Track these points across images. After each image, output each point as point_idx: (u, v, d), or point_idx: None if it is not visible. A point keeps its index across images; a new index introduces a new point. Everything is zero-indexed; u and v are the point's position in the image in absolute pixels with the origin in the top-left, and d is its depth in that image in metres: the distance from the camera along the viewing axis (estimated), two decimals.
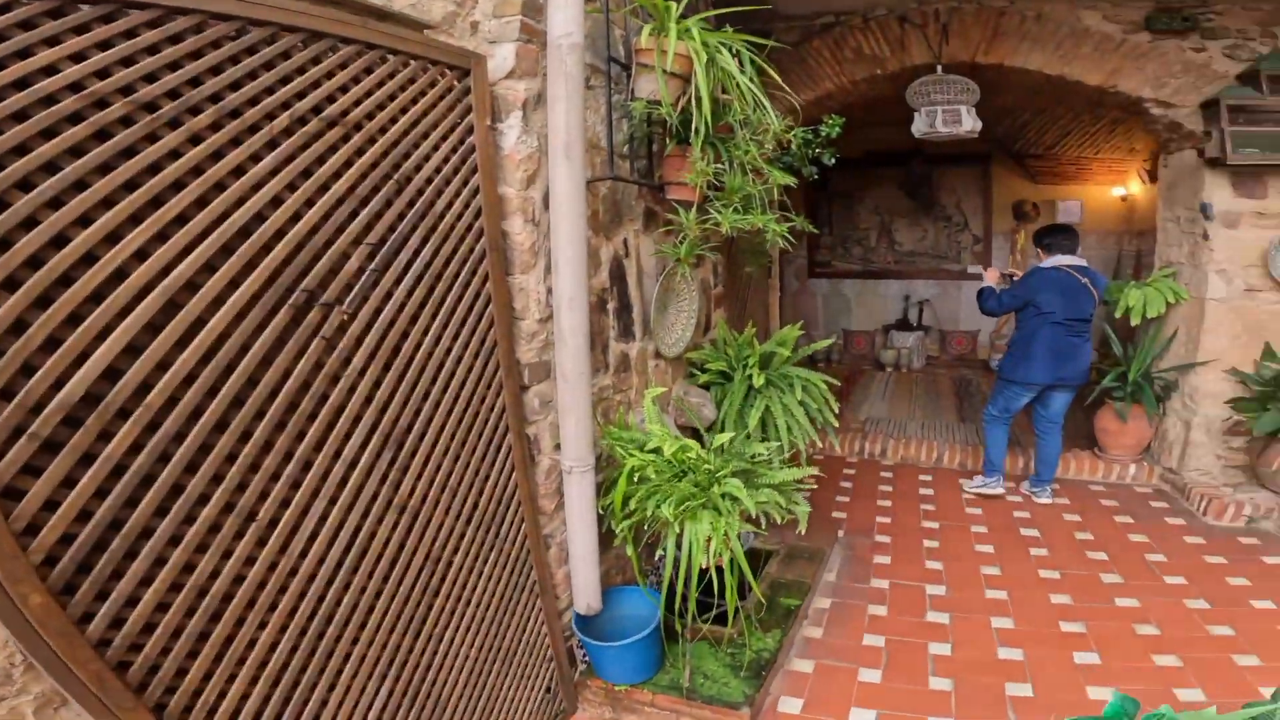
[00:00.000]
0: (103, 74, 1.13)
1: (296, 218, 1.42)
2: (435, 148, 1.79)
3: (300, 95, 1.45)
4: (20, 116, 1.03)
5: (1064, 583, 3.05)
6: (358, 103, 1.58)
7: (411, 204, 1.70)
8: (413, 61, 1.74)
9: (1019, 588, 3.03)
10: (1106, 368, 4.35)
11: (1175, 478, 4.01)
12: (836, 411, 3.19)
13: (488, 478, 1.99)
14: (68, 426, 1.07)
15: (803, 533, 2.59)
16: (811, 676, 2.51)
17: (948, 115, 3.59)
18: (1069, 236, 3.82)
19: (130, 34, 1.17)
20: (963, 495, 4.13)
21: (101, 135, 1.12)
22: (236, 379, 1.30)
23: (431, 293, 1.74)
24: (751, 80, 2.34)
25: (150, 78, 1.19)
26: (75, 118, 1.09)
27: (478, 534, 1.96)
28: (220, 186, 1.28)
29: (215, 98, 1.28)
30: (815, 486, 2.55)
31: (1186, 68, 3.52)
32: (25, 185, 1.03)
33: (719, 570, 2.31)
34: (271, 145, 1.38)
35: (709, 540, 2.32)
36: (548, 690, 2.33)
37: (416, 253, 1.70)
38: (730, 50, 2.28)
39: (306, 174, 1.45)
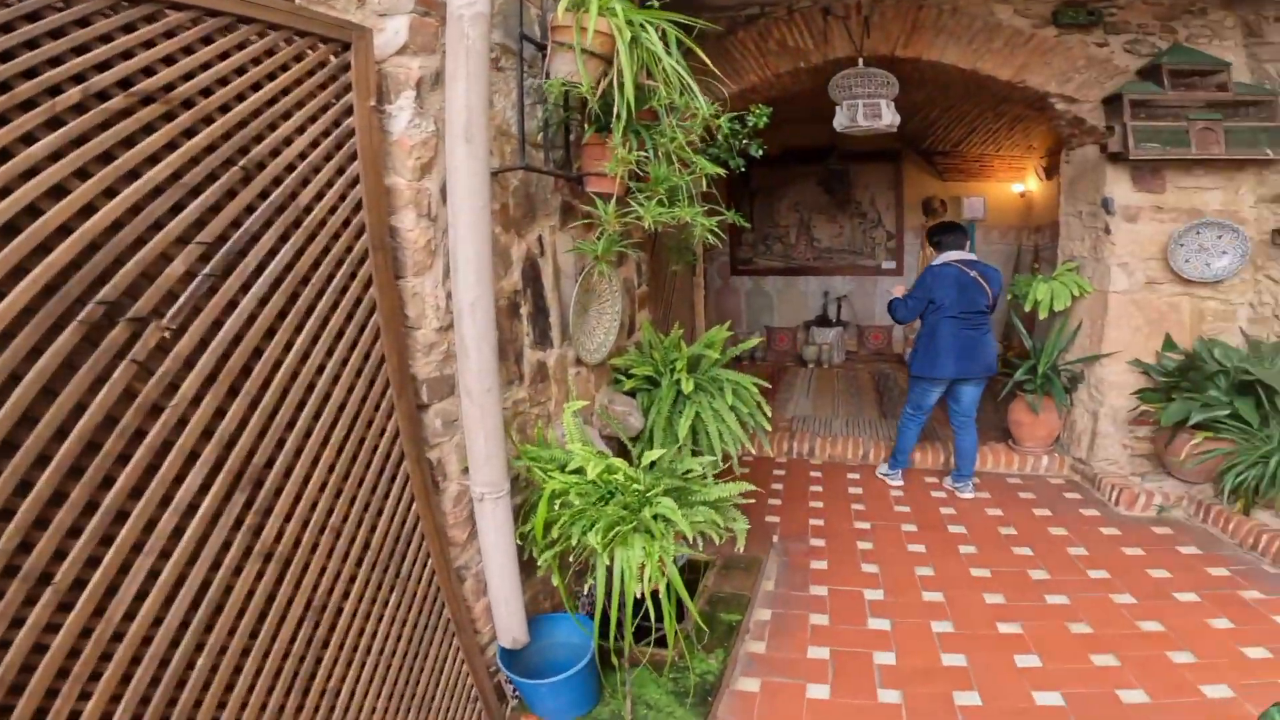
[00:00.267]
0: None
1: (89, 211, 1.07)
2: (300, 130, 1.47)
3: (102, 67, 1.12)
4: None
5: (995, 581, 3.03)
6: (188, 76, 1.25)
7: (265, 195, 1.37)
8: (271, 32, 1.41)
9: (954, 588, 2.99)
10: (1017, 361, 4.45)
11: (1085, 468, 4.14)
12: (769, 415, 3.04)
13: (380, 511, 1.70)
14: None
15: (741, 550, 2.41)
16: (759, 696, 2.35)
17: (868, 109, 3.54)
18: (958, 233, 3.95)
19: None
20: (890, 493, 4.13)
21: None
22: (2, 418, 0.95)
23: (295, 301, 1.41)
24: (679, 63, 2.12)
25: None
26: None
27: (373, 574, 1.68)
28: None
29: None
30: (753, 501, 2.37)
31: (1090, 63, 3.61)
32: None
33: (655, 595, 2.09)
34: (53, 124, 1.05)
35: (642, 567, 2.10)
36: None
37: (272, 253, 1.37)
38: (656, 30, 2.06)
39: (106, 158, 1.11)
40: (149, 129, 1.18)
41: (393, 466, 1.72)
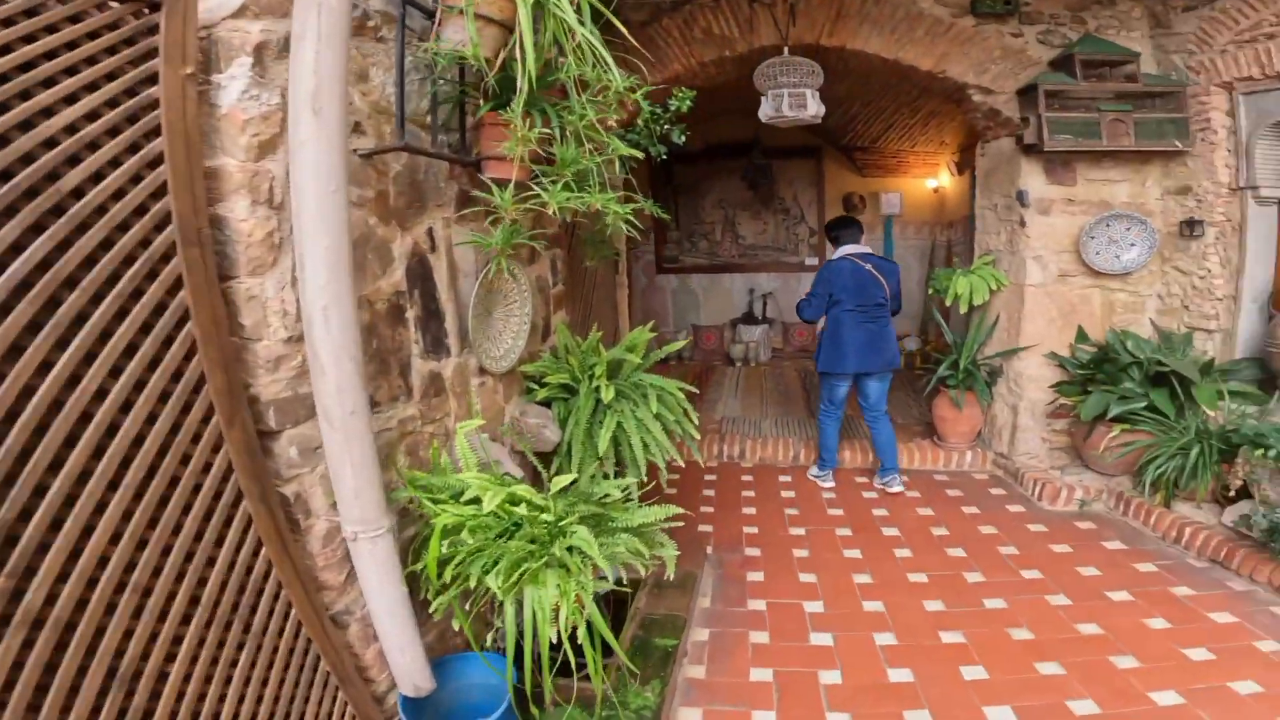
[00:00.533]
0: None
1: None
2: (69, 100, 1.11)
3: None
4: None
5: (933, 586, 2.93)
6: None
7: (7, 176, 1.00)
8: None
9: (893, 595, 2.87)
10: (940, 356, 4.43)
11: (1007, 462, 4.14)
12: (696, 423, 2.81)
13: (213, 561, 1.35)
14: None
15: (671, 578, 2.16)
16: None
17: (794, 99, 3.40)
18: (854, 228, 3.96)
19: None
20: (823, 495, 4.01)
21: None
22: None
23: (54, 308, 1.04)
24: (593, 34, 1.84)
25: None
26: None
27: (208, 632, 1.34)
28: None
29: None
30: (682, 524, 2.12)
31: (1006, 53, 3.58)
32: None
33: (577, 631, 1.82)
34: None
35: (557, 607, 1.82)
36: None
37: (17, 249, 1.00)
38: None
39: None
40: None
41: (226, 508, 1.36)
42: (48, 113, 1.09)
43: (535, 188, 1.84)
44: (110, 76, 1.19)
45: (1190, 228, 3.56)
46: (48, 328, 1.03)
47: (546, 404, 2.78)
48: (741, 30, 3.74)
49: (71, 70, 1.14)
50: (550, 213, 1.80)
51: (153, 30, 1.27)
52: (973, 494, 3.92)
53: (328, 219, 1.31)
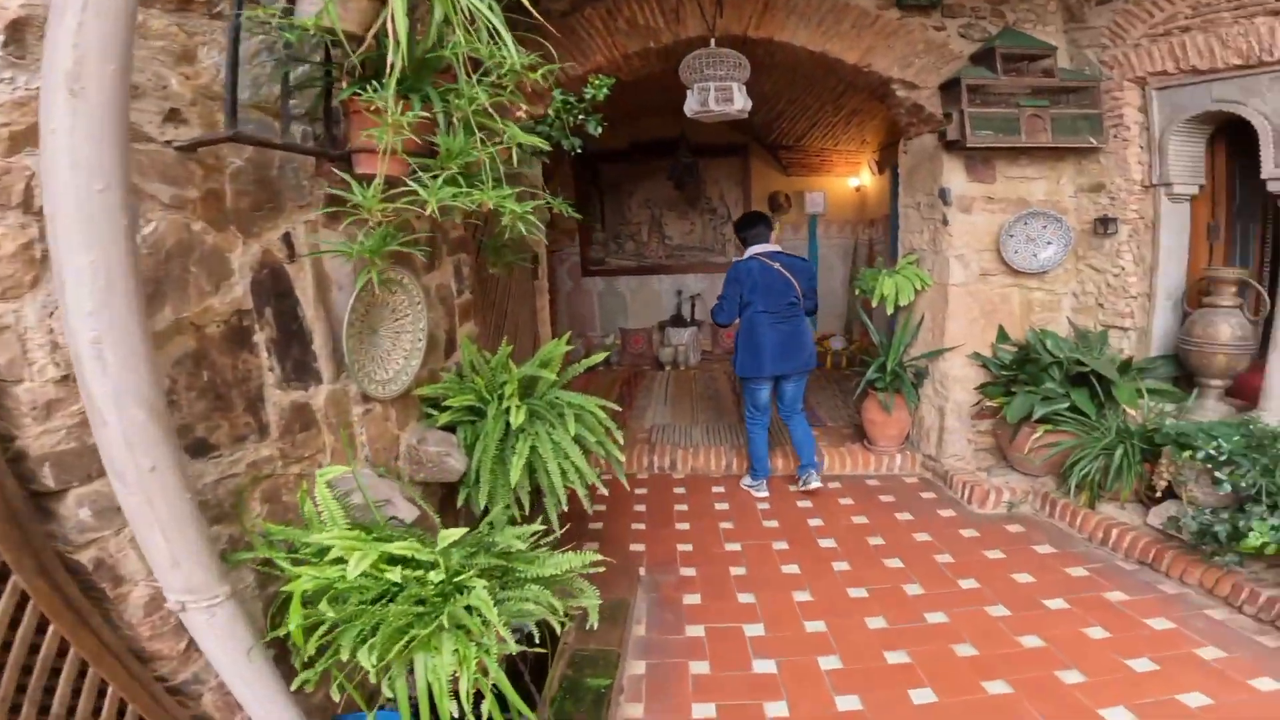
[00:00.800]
0: None
1: None
2: None
3: None
4: None
5: (874, 601, 2.80)
6: None
7: None
8: None
9: (835, 614, 2.72)
10: (868, 358, 4.36)
11: (935, 465, 4.10)
12: (621, 444, 2.56)
13: None
14: None
15: (594, 627, 1.90)
16: None
17: (720, 93, 3.22)
18: (762, 225, 3.86)
19: None
20: (757, 507, 3.85)
21: None
22: None
23: None
24: (491, 8, 1.55)
25: None
26: None
27: None
28: None
29: None
30: (603, 569, 1.86)
31: (929, 46, 3.51)
32: None
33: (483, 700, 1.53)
34: None
35: (456, 678, 1.53)
36: None
37: None
38: None
39: None
40: None
41: None
42: None
43: (412, 184, 1.52)
44: None
45: (1104, 225, 3.59)
46: None
47: (451, 429, 2.47)
48: (667, 21, 3.54)
49: None
50: (429, 212, 1.50)
51: None
52: (904, 499, 3.84)
53: (94, 226, 0.97)
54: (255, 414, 1.56)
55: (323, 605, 1.40)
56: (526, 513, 2.51)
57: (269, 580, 1.59)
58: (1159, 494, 2.93)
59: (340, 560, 1.49)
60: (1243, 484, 2.40)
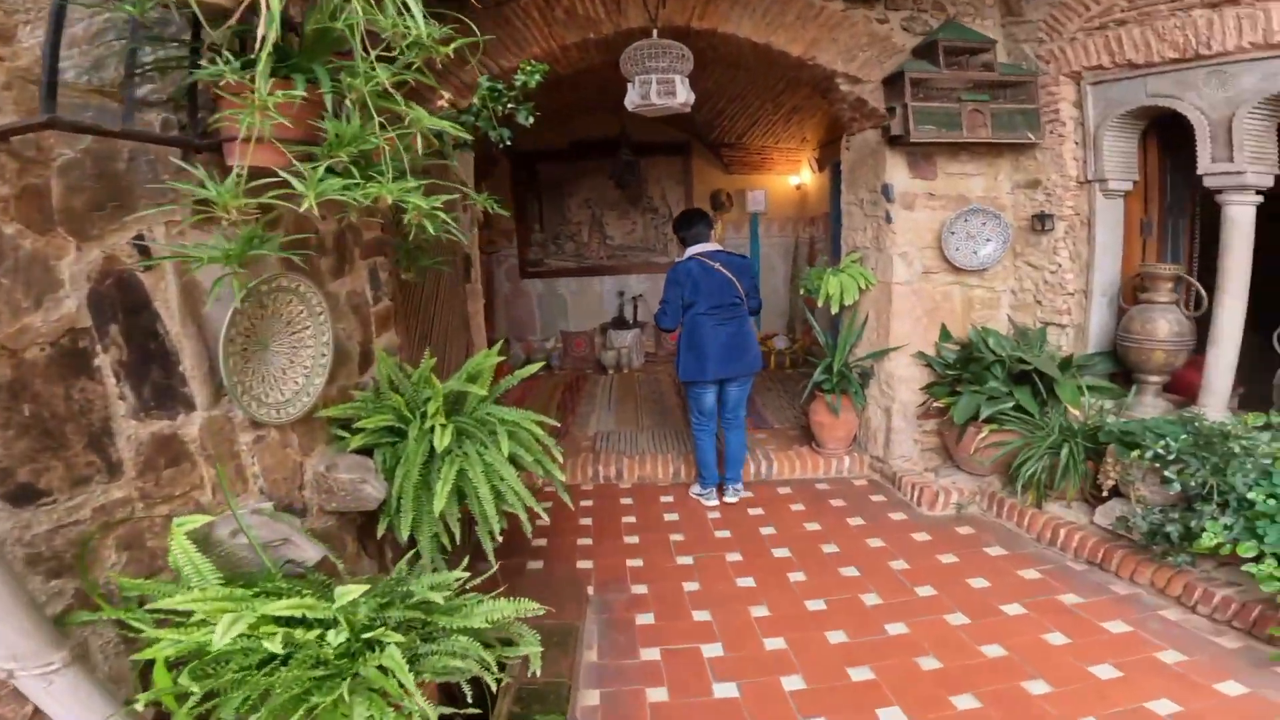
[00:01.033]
0: None
1: None
2: None
3: None
4: None
5: (833, 613, 2.68)
6: None
7: None
8: None
9: (793, 628, 2.59)
10: (814, 359, 4.27)
11: (884, 466, 4.05)
12: (560, 461, 2.34)
13: None
14: None
15: (536, 674, 1.68)
16: None
17: (662, 86, 3.04)
18: (702, 224, 3.72)
19: None
20: (708, 516, 3.70)
21: None
22: None
23: None
24: None
25: None
26: None
27: None
28: None
29: None
30: (542, 611, 1.64)
31: (872, 40, 3.43)
32: None
33: None
34: None
35: None
36: None
37: None
38: None
39: None
40: None
41: None
42: None
43: (286, 176, 1.26)
44: None
45: (1041, 222, 3.59)
46: None
47: (368, 452, 2.19)
48: (608, 10, 3.34)
49: None
50: (303, 208, 1.24)
51: None
52: (855, 502, 3.76)
53: None
54: (101, 450, 1.27)
55: (184, 678, 1.13)
56: (458, 542, 2.27)
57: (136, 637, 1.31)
58: (1105, 493, 2.92)
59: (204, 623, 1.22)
60: (1192, 483, 2.38)
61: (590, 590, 2.94)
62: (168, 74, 1.44)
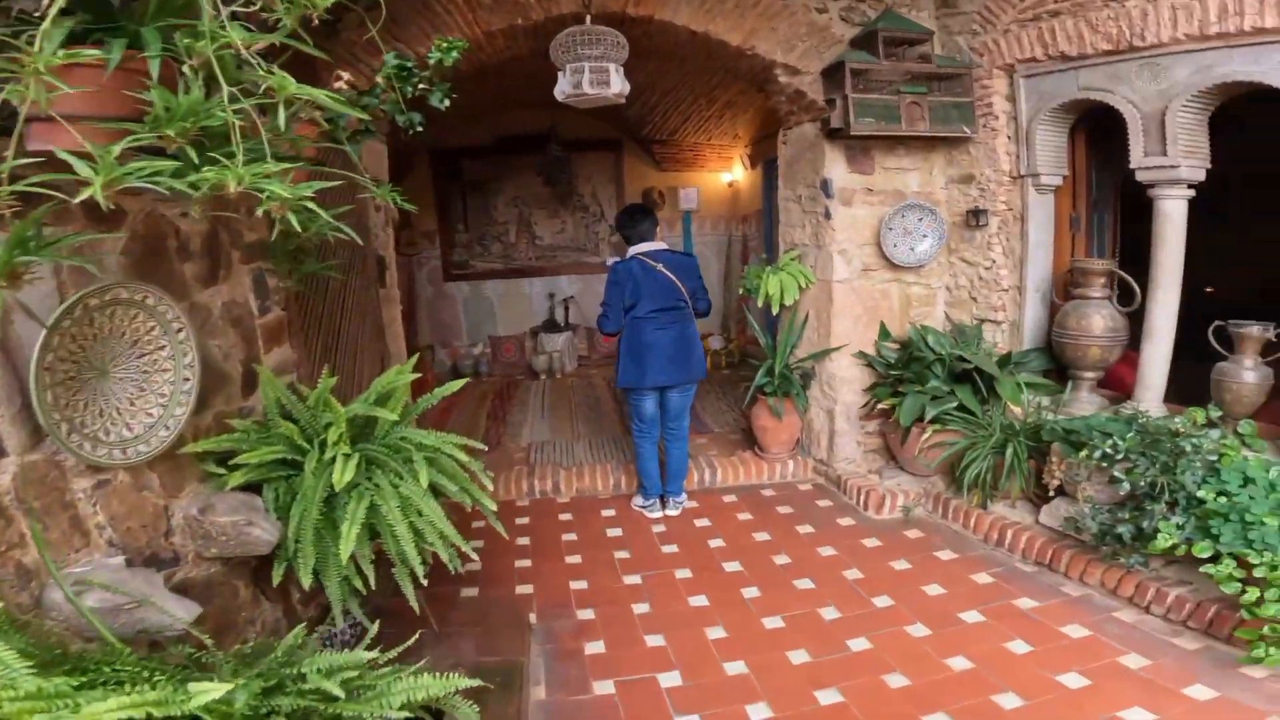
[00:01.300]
0: None
1: None
2: None
3: None
4: None
5: (792, 631, 2.53)
6: None
7: None
8: None
9: (753, 650, 2.42)
10: (755, 362, 4.13)
11: (828, 469, 3.95)
12: (490, 488, 2.07)
13: None
14: None
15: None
16: None
17: (596, 75, 2.81)
18: (647, 222, 3.51)
19: None
20: (653, 530, 3.49)
21: None
22: None
23: None
24: None
25: None
26: None
27: None
28: None
29: None
30: (476, 684, 1.37)
31: (812, 29, 3.31)
32: None
33: None
34: None
35: None
36: None
37: None
38: None
39: None
40: None
41: None
42: None
43: (68, 158, 0.95)
44: None
45: (975, 218, 3.57)
46: None
47: (256, 487, 1.85)
48: None
49: None
50: (84, 196, 0.94)
51: None
52: (802, 508, 3.64)
53: None
54: None
55: None
56: (373, 586, 1.97)
57: None
58: (1050, 493, 2.89)
59: None
60: (1141, 482, 2.35)
61: (532, 618, 2.68)
62: None
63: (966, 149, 3.57)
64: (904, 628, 2.48)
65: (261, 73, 1.13)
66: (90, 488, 1.36)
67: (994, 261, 3.58)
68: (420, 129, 2.15)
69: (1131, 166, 2.74)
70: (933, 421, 3.36)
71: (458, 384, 2.07)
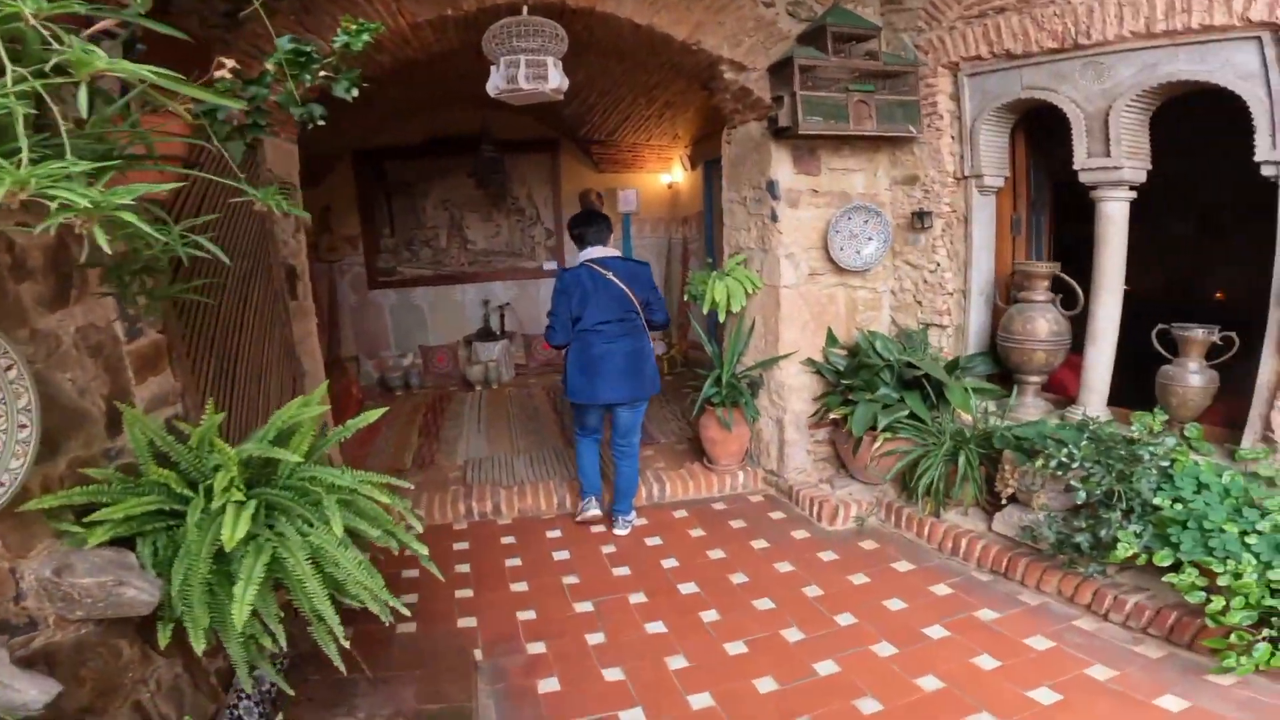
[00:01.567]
0: None
1: None
2: None
3: None
4: None
5: (756, 656, 2.39)
6: None
7: None
8: None
9: (718, 680, 2.26)
10: (703, 372, 3.98)
11: (779, 480, 3.84)
12: (420, 528, 1.81)
13: None
14: None
15: None
16: None
17: (532, 69, 2.58)
18: (601, 225, 3.32)
19: None
20: (602, 551, 3.27)
21: None
22: None
23: None
24: None
25: None
26: None
27: None
28: None
29: None
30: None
31: (759, 24, 3.17)
32: None
33: None
34: None
35: None
36: None
37: None
38: None
39: None
40: None
41: None
42: None
43: None
44: None
45: (920, 220, 3.52)
46: None
47: (127, 542, 1.54)
48: None
49: None
50: None
51: None
52: (755, 522, 3.50)
53: None
54: None
55: None
56: (284, 647, 1.69)
57: None
58: (1004, 500, 2.85)
59: None
60: (1098, 490, 2.31)
61: (478, 654, 2.45)
62: None
63: (911, 149, 3.52)
64: (870, 647, 2.37)
65: (66, 50, 0.86)
66: None
67: (939, 264, 3.55)
68: (322, 122, 1.87)
69: (1075, 168, 2.73)
70: (884, 430, 3.29)
71: (374, 414, 1.79)
